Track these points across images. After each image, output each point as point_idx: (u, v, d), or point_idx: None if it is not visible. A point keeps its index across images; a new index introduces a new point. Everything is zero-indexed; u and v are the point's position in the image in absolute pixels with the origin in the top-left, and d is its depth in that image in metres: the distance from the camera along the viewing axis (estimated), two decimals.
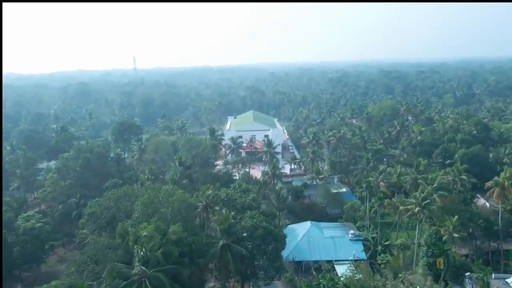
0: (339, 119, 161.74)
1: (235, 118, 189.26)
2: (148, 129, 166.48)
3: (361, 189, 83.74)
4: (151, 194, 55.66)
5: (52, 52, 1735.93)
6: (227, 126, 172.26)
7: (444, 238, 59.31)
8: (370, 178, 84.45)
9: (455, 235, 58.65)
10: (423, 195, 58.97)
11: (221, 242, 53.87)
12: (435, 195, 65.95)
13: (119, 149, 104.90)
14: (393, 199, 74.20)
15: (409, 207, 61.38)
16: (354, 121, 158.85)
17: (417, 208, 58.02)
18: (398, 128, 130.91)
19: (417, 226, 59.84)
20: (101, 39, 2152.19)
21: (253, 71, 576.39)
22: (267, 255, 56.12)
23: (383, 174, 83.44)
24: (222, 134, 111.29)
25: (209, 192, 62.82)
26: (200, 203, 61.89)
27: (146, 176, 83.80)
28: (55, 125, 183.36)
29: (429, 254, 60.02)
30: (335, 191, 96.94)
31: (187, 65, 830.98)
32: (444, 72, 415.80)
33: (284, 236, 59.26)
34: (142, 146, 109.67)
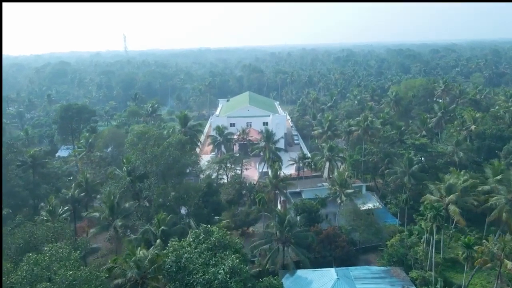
0: (356, 102, 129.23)
1: (227, 101, 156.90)
2: (120, 114, 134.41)
3: (423, 217, 51.65)
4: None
5: (46, 34, 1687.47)
6: (217, 111, 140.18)
7: None
8: (431, 197, 52.80)
9: None
10: None
11: None
12: None
13: (40, 148, 73.01)
14: (485, 243, 42.28)
15: None
16: (372, 104, 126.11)
17: None
18: (439, 114, 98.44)
19: None
20: (97, 21, 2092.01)
21: (252, 52, 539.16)
22: None
23: (455, 193, 51.31)
24: (199, 125, 78.41)
25: (142, 253, 30.88)
26: (122, 278, 30.09)
27: (69, 194, 52.05)
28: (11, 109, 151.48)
29: None
30: (365, 207, 65.50)
31: (184, 47, 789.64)
32: (461, 51, 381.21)
33: None
34: (90, 140, 77.71)
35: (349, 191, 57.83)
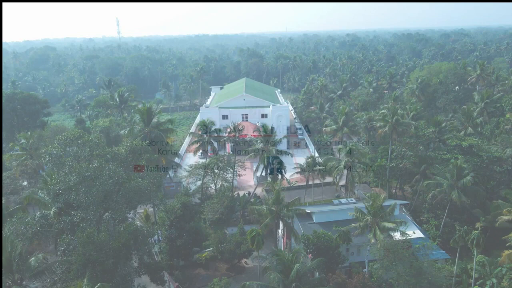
0: (371, 90, 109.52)
1: (221, 88, 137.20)
2: (90, 105, 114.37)
3: None
4: None
5: (42, 20, 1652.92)
6: (209, 100, 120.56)
7: None
8: None
9: None
10: None
11: None
12: None
13: None
14: None
15: None
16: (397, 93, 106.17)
17: None
18: (481, 105, 78.88)
19: None
20: (94, 7, 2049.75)
21: (252, 38, 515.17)
22: None
23: None
24: (169, 122, 58.59)
25: None
26: None
27: None
28: None
29: None
30: (400, 236, 46.23)
31: (182, 33, 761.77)
32: (472, 36, 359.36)
33: None
34: (31, 141, 58.51)
35: (389, 225, 38.42)
